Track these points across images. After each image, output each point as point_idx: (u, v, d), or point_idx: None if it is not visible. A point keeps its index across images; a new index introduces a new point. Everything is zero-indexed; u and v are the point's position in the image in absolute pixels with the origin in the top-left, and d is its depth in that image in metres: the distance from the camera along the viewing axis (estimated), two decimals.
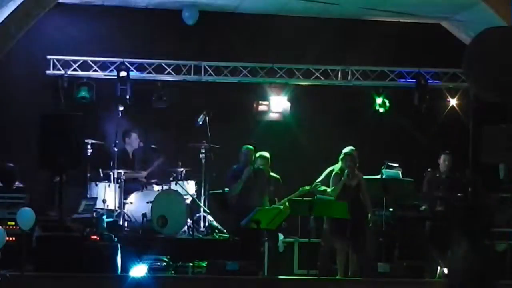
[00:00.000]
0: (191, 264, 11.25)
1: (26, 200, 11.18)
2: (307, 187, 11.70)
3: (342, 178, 11.18)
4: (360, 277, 10.85)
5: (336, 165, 11.69)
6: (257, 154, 11.75)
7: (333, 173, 11.36)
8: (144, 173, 13.11)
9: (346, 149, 11.53)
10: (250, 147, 11.67)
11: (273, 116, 14.37)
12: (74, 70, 13.87)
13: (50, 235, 10.84)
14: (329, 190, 11.39)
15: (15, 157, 11.96)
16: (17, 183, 11.63)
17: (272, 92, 14.38)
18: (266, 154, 11.81)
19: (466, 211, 7.58)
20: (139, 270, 10.41)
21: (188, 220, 12.57)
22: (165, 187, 12.80)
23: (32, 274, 10.18)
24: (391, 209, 11.98)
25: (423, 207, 12.34)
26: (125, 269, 10.54)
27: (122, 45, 13.98)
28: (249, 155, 11.55)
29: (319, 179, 11.76)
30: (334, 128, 14.01)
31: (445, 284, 6.34)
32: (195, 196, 12.81)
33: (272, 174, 11.81)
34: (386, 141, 14.29)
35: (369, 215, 11.29)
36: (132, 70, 13.97)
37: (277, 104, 14.38)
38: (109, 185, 12.82)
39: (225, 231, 12.80)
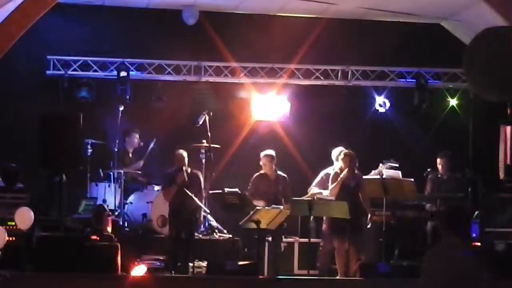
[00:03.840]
0: (191, 264, 11.26)
1: (26, 200, 11.18)
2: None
3: (340, 177, 11.17)
4: (360, 277, 10.85)
5: (330, 167, 11.73)
6: (262, 154, 11.74)
7: (332, 172, 11.36)
8: (141, 163, 13.11)
9: (337, 150, 11.60)
10: (183, 151, 11.68)
11: (272, 116, 14.35)
12: (74, 70, 13.88)
13: (50, 235, 10.84)
14: (326, 192, 11.40)
15: (15, 157, 11.96)
16: (18, 183, 11.62)
17: (272, 92, 14.37)
18: (271, 153, 11.79)
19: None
20: (139, 270, 10.41)
21: None
22: None
23: (32, 274, 10.19)
24: (391, 209, 11.96)
25: (428, 206, 12.34)
26: (125, 269, 10.54)
27: (122, 45, 13.98)
28: (182, 159, 11.57)
29: (315, 183, 11.76)
30: (334, 128, 14.01)
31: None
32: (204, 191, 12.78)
33: (279, 173, 11.78)
34: (386, 141, 14.28)
35: (368, 215, 11.29)
36: (132, 70, 13.97)
37: (276, 104, 14.36)
38: (109, 185, 12.84)
39: (225, 231, 12.81)
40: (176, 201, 11.52)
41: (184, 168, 11.55)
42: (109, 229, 11.10)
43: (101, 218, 11.22)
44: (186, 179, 11.49)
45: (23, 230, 10.31)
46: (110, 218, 11.35)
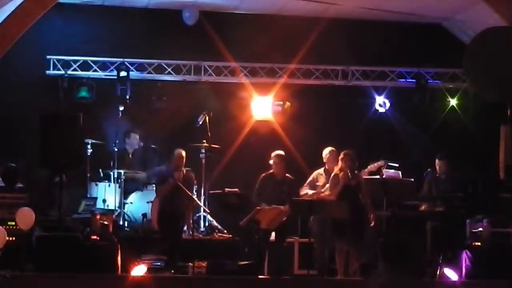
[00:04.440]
0: (191, 264, 11.26)
1: (26, 200, 11.18)
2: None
3: (341, 178, 11.16)
4: (360, 277, 10.85)
5: (321, 169, 11.74)
6: (273, 153, 11.72)
7: (333, 173, 11.34)
8: (143, 174, 13.11)
9: (327, 149, 11.63)
10: (182, 150, 11.68)
11: (272, 116, 14.36)
12: (74, 70, 13.88)
13: (50, 235, 10.85)
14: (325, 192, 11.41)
15: (15, 157, 11.96)
16: (17, 183, 11.62)
17: (272, 92, 14.37)
18: (282, 153, 11.78)
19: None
20: (139, 270, 10.41)
21: None
22: None
23: (32, 274, 10.19)
24: (391, 209, 11.97)
25: (423, 207, 12.36)
26: (125, 269, 10.54)
27: (122, 45, 13.98)
28: (181, 158, 11.56)
29: (306, 183, 11.76)
30: (334, 128, 14.01)
31: None
32: (195, 196, 12.80)
33: (287, 175, 11.77)
34: (386, 141, 14.29)
35: (370, 215, 11.27)
36: (132, 70, 13.97)
37: (277, 104, 14.37)
38: (109, 185, 12.84)
39: (225, 231, 12.81)
40: (167, 200, 11.49)
41: (182, 167, 11.56)
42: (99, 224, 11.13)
43: (92, 221, 11.21)
44: (182, 177, 11.50)
45: (24, 230, 10.31)
46: (98, 217, 11.29)
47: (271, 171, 11.71)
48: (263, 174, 11.68)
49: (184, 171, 11.63)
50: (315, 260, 11.34)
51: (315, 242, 11.31)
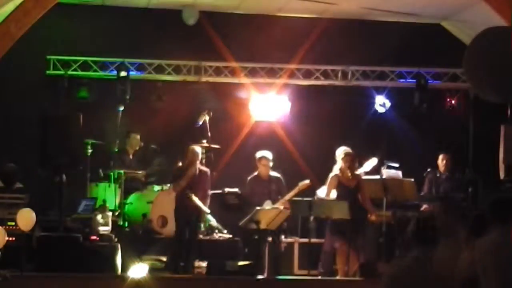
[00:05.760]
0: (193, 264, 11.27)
1: (26, 200, 11.19)
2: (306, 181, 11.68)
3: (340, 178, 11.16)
4: (360, 277, 10.84)
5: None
6: (259, 155, 11.72)
7: (332, 173, 11.33)
8: (143, 173, 13.12)
9: (341, 149, 11.65)
10: (197, 147, 11.70)
11: (272, 116, 14.35)
12: (74, 70, 13.88)
13: (50, 235, 10.85)
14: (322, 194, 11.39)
15: (15, 157, 11.96)
16: (17, 183, 11.62)
17: (272, 92, 14.37)
18: (267, 154, 11.79)
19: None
20: (139, 270, 10.40)
21: None
22: (165, 187, 12.79)
23: (32, 274, 10.19)
24: (391, 209, 11.97)
25: (423, 207, 12.37)
26: (125, 269, 10.54)
27: (122, 45, 13.98)
28: (195, 155, 11.59)
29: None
30: (334, 128, 14.00)
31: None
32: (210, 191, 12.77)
33: (273, 173, 11.78)
34: (386, 141, 14.27)
35: (369, 215, 11.27)
36: (132, 70, 13.97)
37: (276, 104, 14.36)
38: (109, 185, 12.83)
39: (225, 231, 12.81)
40: (182, 197, 11.49)
41: (196, 163, 11.56)
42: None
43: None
44: (197, 173, 11.49)
45: (24, 230, 10.32)
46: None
47: (255, 173, 11.73)
48: (249, 178, 11.70)
49: (199, 167, 11.62)
50: (322, 259, 11.32)
51: (326, 241, 11.30)
